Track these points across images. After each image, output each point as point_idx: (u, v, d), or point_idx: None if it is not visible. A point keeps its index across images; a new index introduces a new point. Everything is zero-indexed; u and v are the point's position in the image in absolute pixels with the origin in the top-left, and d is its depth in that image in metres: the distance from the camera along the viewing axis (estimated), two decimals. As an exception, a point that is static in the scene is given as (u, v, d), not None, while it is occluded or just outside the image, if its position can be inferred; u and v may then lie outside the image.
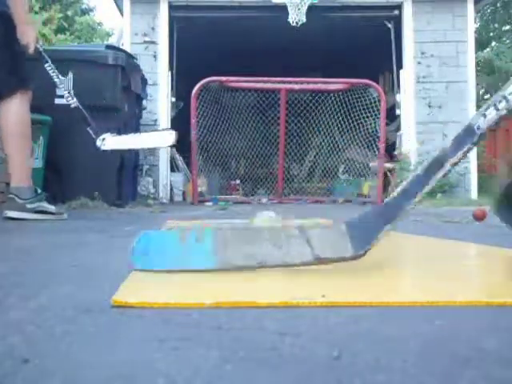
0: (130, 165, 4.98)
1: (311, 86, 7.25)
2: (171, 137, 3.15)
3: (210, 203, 6.00)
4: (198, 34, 7.43)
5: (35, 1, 5.85)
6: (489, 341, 0.61)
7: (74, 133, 4.48)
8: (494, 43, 14.81)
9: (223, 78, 6.58)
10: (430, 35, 6.76)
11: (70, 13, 8.49)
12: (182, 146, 7.19)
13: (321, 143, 7.74)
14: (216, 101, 6.76)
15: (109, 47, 4.85)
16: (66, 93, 3.26)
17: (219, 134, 7.02)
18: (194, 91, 6.27)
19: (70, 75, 4.51)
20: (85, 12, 10.17)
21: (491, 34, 15.77)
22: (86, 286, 0.85)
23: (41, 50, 3.04)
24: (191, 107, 6.27)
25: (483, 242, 1.68)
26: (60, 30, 7.17)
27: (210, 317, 0.69)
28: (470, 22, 6.90)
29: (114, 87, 4.56)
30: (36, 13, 5.69)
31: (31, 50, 2.92)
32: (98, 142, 3.07)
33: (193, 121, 6.26)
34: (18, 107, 2.76)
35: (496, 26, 15.92)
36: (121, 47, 5.57)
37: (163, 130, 3.57)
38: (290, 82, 6.90)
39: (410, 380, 0.48)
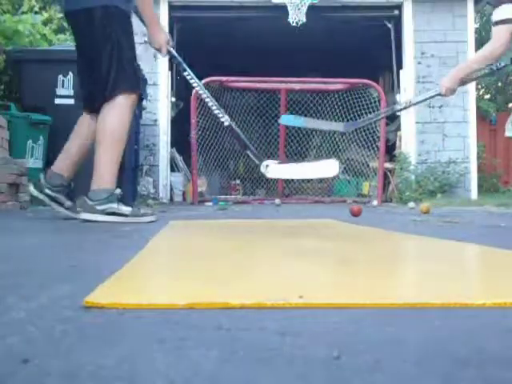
0: (130, 165, 4.98)
1: (311, 86, 7.25)
2: (335, 166, 2.90)
3: (209, 203, 6.00)
4: (198, 33, 7.43)
5: (35, 1, 5.85)
6: (489, 341, 0.61)
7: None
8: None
9: (223, 78, 6.58)
10: (430, 35, 6.76)
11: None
12: (181, 145, 7.21)
13: (321, 143, 7.74)
14: (216, 101, 6.76)
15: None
16: (214, 107, 2.99)
17: (219, 133, 7.03)
18: (194, 91, 6.27)
19: (70, 75, 4.51)
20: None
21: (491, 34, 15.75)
22: (86, 286, 0.85)
23: (174, 53, 2.91)
24: (191, 107, 6.27)
25: (483, 242, 1.68)
26: (60, 30, 7.16)
27: (210, 317, 0.69)
28: (470, 22, 6.91)
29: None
30: (36, 13, 5.69)
31: (163, 53, 2.87)
32: (262, 169, 2.85)
33: (193, 121, 6.26)
34: (115, 110, 2.66)
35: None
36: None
37: (326, 160, 3.35)
38: (290, 82, 6.90)
39: (410, 380, 0.48)
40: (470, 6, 6.87)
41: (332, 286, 0.93)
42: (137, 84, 2.79)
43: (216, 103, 3.00)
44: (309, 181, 8.26)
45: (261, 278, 1.01)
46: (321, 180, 7.97)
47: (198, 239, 1.91)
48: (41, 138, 4.34)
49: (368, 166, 7.08)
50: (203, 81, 6.38)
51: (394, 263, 1.30)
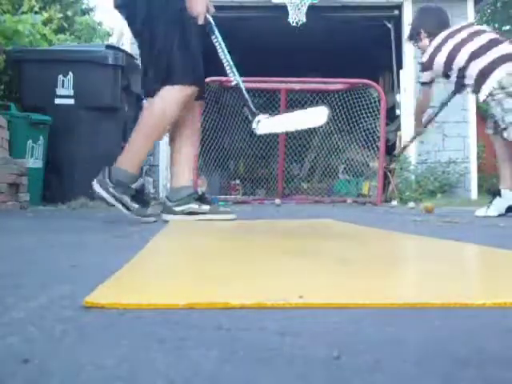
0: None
1: (311, 86, 7.25)
2: (325, 114, 2.72)
3: (209, 203, 5.98)
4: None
5: (35, 1, 5.86)
6: (489, 341, 0.61)
7: (74, 133, 4.49)
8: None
9: (223, 78, 6.57)
10: (430, 35, 6.76)
11: (70, 13, 8.49)
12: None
13: (321, 143, 7.75)
14: (216, 101, 6.76)
15: (109, 47, 4.86)
16: (227, 67, 2.89)
17: (219, 134, 7.02)
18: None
19: (70, 75, 4.51)
20: (85, 12, 10.19)
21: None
22: (86, 286, 0.85)
23: (211, 21, 2.73)
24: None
25: (483, 242, 1.68)
26: (60, 29, 7.16)
27: (210, 317, 0.69)
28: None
29: (114, 87, 4.56)
30: (36, 13, 5.69)
31: (201, 21, 2.69)
32: (254, 125, 2.70)
33: (193, 121, 6.26)
34: (156, 104, 2.58)
35: (496, 25, 15.92)
36: (121, 47, 5.57)
37: (315, 107, 3.09)
38: (290, 82, 6.90)
39: (410, 381, 0.48)
40: (470, 5, 6.87)
41: (332, 286, 0.93)
42: (181, 75, 2.63)
43: (231, 62, 2.92)
44: (309, 181, 8.27)
45: (261, 278, 1.01)
46: (321, 180, 7.98)
47: (198, 239, 1.91)
48: (41, 138, 4.34)
49: (368, 166, 7.08)
50: (203, 81, 6.39)
51: (394, 263, 1.30)
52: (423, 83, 3.88)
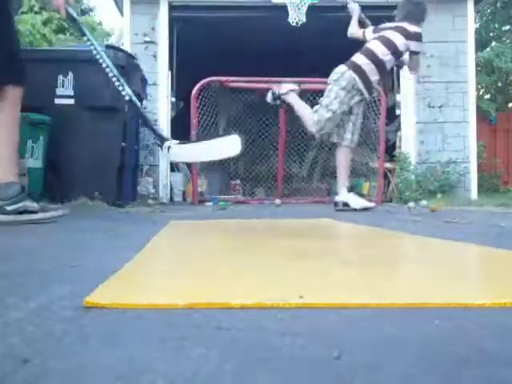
0: (130, 165, 4.98)
1: (311, 86, 7.25)
2: (238, 143, 2.57)
3: (209, 203, 5.99)
4: (198, 34, 7.43)
5: (35, 1, 5.86)
6: (489, 341, 0.61)
7: (74, 133, 4.49)
8: (494, 43, 14.80)
9: (223, 78, 6.58)
10: (430, 35, 6.76)
11: (70, 13, 8.49)
12: (181, 145, 7.20)
13: (321, 143, 7.74)
14: (216, 100, 6.75)
15: (109, 47, 4.85)
16: (114, 79, 2.70)
17: (220, 134, 7.02)
18: (193, 91, 6.27)
19: (70, 75, 4.51)
20: (85, 12, 10.18)
21: (491, 34, 15.76)
22: (86, 286, 0.85)
23: (75, 16, 2.55)
24: (191, 107, 6.27)
25: (483, 242, 1.68)
26: (60, 29, 7.16)
27: (210, 317, 0.69)
28: (470, 22, 6.90)
29: (114, 87, 4.56)
30: (36, 13, 5.69)
31: (62, 14, 2.53)
32: (164, 151, 2.58)
33: (193, 121, 6.26)
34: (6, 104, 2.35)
35: (496, 25, 15.92)
36: (121, 47, 5.57)
37: (227, 136, 2.84)
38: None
39: (409, 380, 0.48)
40: (470, 6, 6.86)
41: (332, 286, 0.93)
42: (17, 76, 2.41)
43: (118, 74, 2.76)
44: (307, 181, 8.27)
45: (261, 278, 1.01)
46: (321, 180, 7.97)
47: (198, 239, 1.91)
48: (41, 137, 4.34)
49: (368, 165, 7.08)
50: (203, 81, 6.38)
51: (394, 263, 1.30)
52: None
